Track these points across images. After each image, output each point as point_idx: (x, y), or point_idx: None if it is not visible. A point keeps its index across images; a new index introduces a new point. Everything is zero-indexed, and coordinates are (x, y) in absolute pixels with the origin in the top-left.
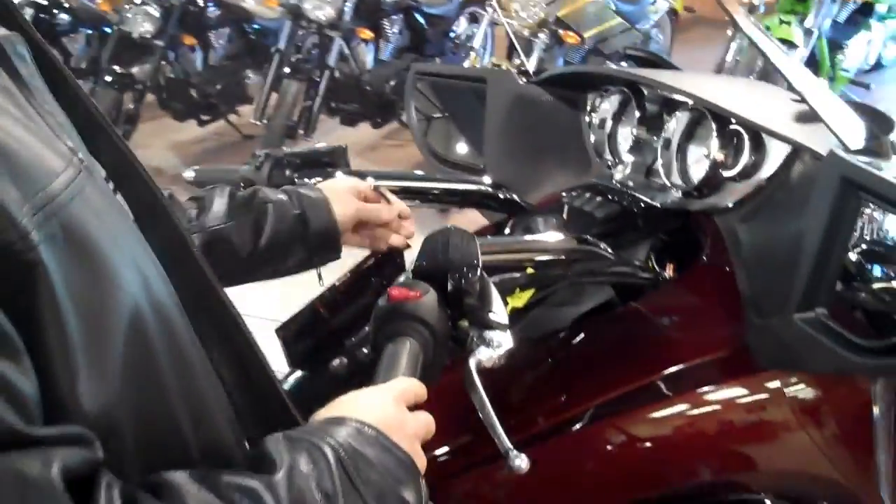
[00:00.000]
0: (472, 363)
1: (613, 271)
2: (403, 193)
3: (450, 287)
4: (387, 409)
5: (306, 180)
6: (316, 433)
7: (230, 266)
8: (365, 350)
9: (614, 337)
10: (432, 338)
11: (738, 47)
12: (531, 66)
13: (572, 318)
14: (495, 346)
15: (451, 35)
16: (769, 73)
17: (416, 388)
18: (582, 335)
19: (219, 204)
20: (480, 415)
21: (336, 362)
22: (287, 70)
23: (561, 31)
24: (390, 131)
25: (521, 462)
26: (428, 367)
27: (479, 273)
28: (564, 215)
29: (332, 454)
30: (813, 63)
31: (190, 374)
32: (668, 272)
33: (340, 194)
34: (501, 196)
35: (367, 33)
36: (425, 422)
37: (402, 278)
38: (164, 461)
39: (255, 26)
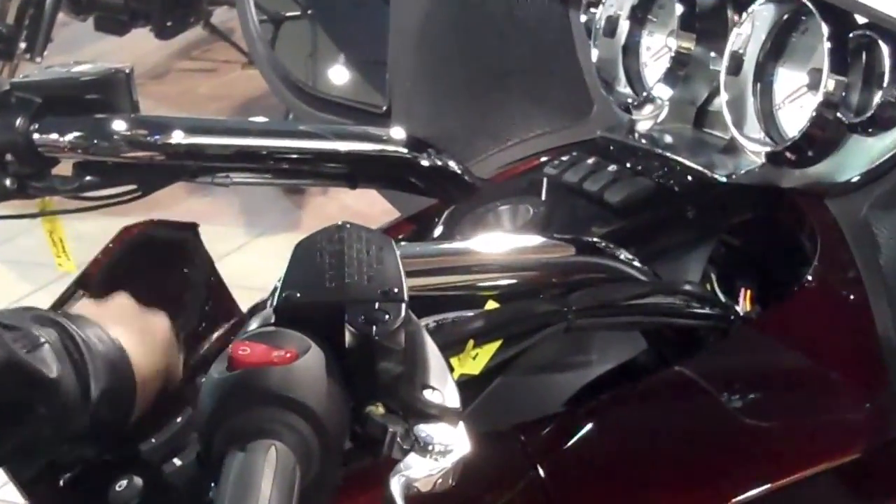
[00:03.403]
0: (396, 487)
1: (650, 305)
2: (238, 161)
3: (348, 340)
4: None
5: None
6: None
7: None
8: (176, 462)
9: (652, 430)
10: (318, 439)
11: None
12: None
13: (571, 396)
14: (436, 454)
15: None
16: None
17: None
18: (591, 426)
19: None
20: None
21: (121, 485)
22: None
23: None
24: (188, 45)
25: None
26: (310, 495)
27: (403, 311)
28: (544, 197)
29: None
30: None
31: None
32: (744, 304)
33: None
34: (425, 163)
35: None
36: None
37: (254, 323)
38: None
39: None
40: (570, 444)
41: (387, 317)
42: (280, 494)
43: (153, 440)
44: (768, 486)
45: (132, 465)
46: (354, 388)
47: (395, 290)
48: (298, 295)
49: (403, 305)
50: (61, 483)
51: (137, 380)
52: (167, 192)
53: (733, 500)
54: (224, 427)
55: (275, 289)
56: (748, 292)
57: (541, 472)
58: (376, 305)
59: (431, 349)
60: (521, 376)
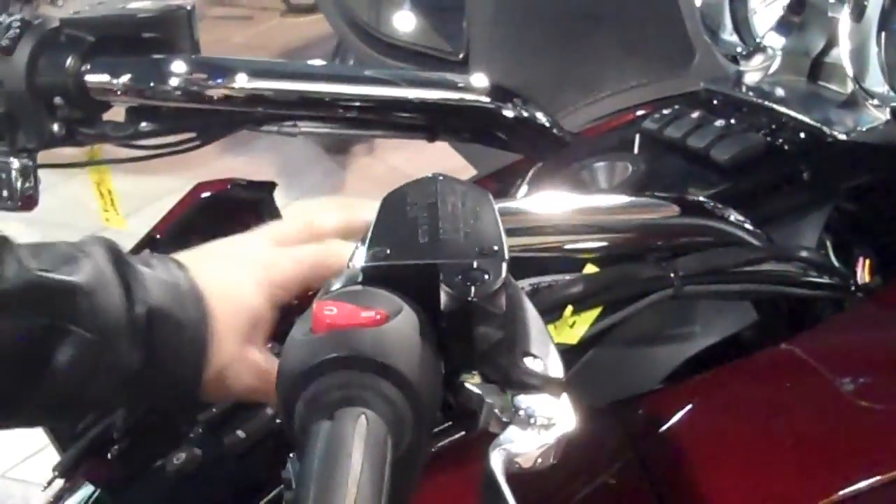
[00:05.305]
0: (497, 461)
1: (764, 272)
2: (307, 109)
3: (444, 301)
4: None
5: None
6: None
7: None
8: (241, 433)
9: (762, 411)
10: (410, 409)
11: None
12: None
13: (671, 371)
14: (538, 427)
15: None
16: None
17: None
18: (696, 405)
19: None
20: None
21: (179, 457)
22: None
23: None
24: None
25: None
26: (400, 470)
27: (504, 271)
28: (643, 154)
29: None
30: None
31: None
32: (863, 275)
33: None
34: (511, 115)
35: None
36: None
37: (335, 282)
38: None
39: None
40: (672, 423)
41: (486, 277)
42: (372, 467)
43: (213, 409)
44: (883, 476)
45: (189, 437)
46: (448, 354)
47: (495, 247)
48: (388, 252)
49: (504, 264)
50: (109, 456)
51: (214, 317)
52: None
53: (845, 490)
54: (309, 393)
55: (357, 246)
56: (867, 262)
57: (641, 452)
58: (474, 264)
59: (531, 314)
60: (617, 349)
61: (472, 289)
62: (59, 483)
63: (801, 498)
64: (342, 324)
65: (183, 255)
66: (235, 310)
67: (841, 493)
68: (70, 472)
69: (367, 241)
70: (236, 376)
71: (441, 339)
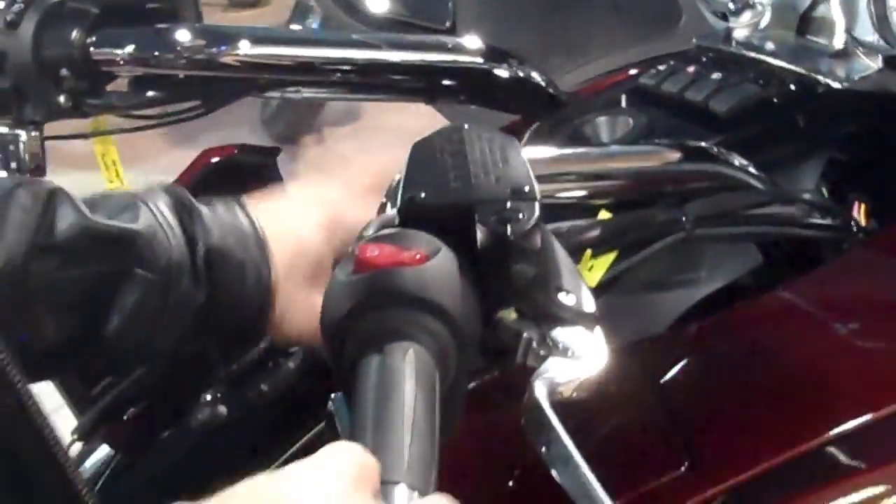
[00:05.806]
0: (541, 390)
1: (770, 214)
2: (310, 74)
3: (481, 240)
4: None
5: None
6: None
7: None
8: (264, 387)
9: (765, 350)
10: (454, 342)
11: None
12: None
13: (685, 310)
14: (577, 357)
15: None
16: None
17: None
18: (705, 345)
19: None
20: (565, 483)
21: (203, 413)
22: None
23: None
24: None
25: None
26: (447, 401)
27: (537, 210)
28: (643, 108)
29: None
30: None
31: None
32: (860, 217)
33: (314, 241)
34: (505, 74)
35: None
36: None
37: (372, 226)
38: None
39: None
40: (687, 363)
41: (521, 216)
42: (424, 397)
43: (234, 366)
44: (876, 413)
45: (210, 396)
46: (485, 292)
47: (527, 188)
48: (423, 195)
49: (536, 204)
50: (125, 419)
51: (275, 259)
52: (150, 143)
53: (841, 427)
54: (358, 329)
55: (384, 199)
56: (863, 206)
57: (660, 390)
58: (508, 204)
59: (561, 253)
60: (629, 293)
61: (508, 227)
62: (78, 447)
63: (799, 433)
64: (385, 263)
65: (249, 198)
66: (297, 252)
67: (837, 430)
68: (88, 436)
69: (401, 187)
70: (302, 320)
71: (477, 278)
